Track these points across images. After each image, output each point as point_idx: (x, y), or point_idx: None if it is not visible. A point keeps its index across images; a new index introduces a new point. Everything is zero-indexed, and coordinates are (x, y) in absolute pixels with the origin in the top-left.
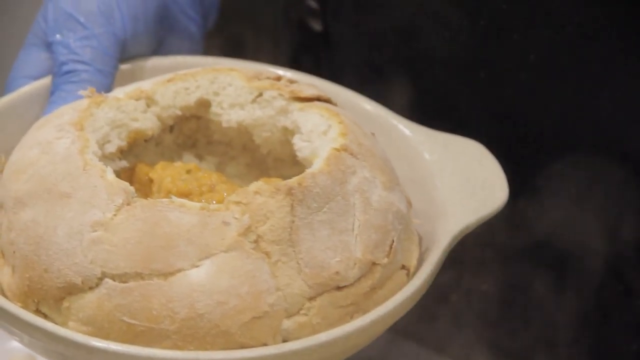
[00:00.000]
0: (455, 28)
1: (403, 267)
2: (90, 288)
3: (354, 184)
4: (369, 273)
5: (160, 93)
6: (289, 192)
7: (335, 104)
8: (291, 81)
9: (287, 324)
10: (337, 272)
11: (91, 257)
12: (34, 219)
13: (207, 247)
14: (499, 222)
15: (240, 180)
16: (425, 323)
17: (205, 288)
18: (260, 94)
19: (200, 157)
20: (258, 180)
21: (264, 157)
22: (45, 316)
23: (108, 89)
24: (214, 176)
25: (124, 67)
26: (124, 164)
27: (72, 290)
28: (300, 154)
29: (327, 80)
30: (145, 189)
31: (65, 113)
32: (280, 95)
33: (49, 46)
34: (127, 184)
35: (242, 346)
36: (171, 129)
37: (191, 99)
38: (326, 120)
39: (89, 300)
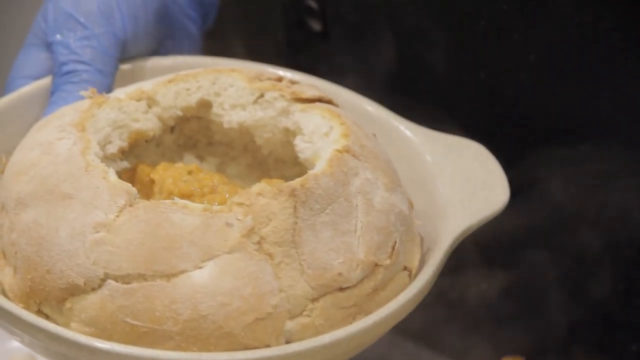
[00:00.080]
0: (455, 28)
1: (405, 268)
2: (93, 289)
3: (357, 185)
4: (372, 274)
5: (162, 94)
6: (292, 193)
7: (336, 105)
8: (292, 82)
9: (290, 325)
10: (339, 274)
11: (94, 258)
12: (35, 220)
13: (210, 248)
14: (498, 223)
15: (241, 181)
16: (426, 323)
17: (208, 289)
18: (262, 95)
19: (200, 158)
20: (259, 181)
21: (265, 158)
22: (47, 317)
23: (108, 89)
24: (215, 177)
25: (124, 67)
26: (125, 164)
27: (74, 291)
28: (302, 155)
29: (328, 81)
30: (146, 189)
31: (67, 114)
32: (282, 96)
33: (49, 46)
34: (129, 185)
35: (245, 347)
36: (172, 129)
37: (192, 100)
38: (328, 122)
39: (91, 302)
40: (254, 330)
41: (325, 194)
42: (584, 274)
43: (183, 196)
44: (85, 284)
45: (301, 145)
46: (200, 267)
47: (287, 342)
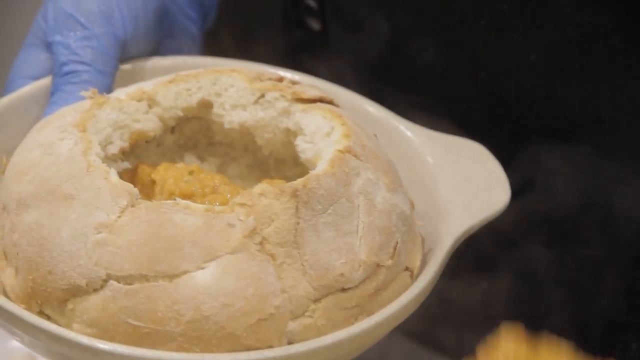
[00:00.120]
0: (455, 28)
1: (407, 268)
2: (95, 290)
3: (358, 185)
4: (374, 275)
5: (162, 94)
6: (294, 194)
7: (337, 106)
8: (293, 82)
9: (292, 325)
10: (341, 274)
11: (95, 259)
12: (37, 221)
13: (212, 249)
14: (498, 222)
15: (242, 181)
16: (426, 323)
17: (210, 290)
18: (263, 95)
19: (201, 158)
20: (259, 181)
21: (266, 159)
22: (48, 318)
23: (108, 89)
24: (216, 177)
25: (124, 67)
26: (126, 165)
27: (76, 292)
28: (303, 156)
29: (328, 82)
30: (147, 190)
31: (67, 114)
32: (283, 96)
33: (49, 46)
34: (131, 185)
35: (248, 348)
36: (172, 129)
37: (193, 100)
38: (329, 122)
39: (93, 302)
40: (257, 331)
41: (327, 194)
42: (584, 273)
43: (184, 196)
44: (87, 284)
45: (302, 146)
46: (202, 268)
47: (290, 342)
